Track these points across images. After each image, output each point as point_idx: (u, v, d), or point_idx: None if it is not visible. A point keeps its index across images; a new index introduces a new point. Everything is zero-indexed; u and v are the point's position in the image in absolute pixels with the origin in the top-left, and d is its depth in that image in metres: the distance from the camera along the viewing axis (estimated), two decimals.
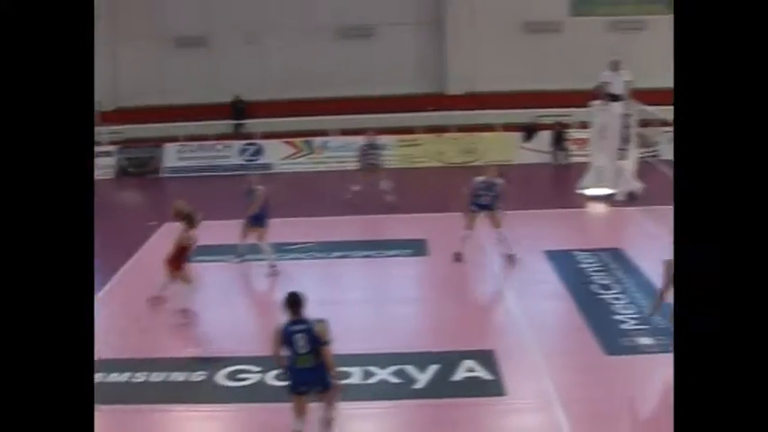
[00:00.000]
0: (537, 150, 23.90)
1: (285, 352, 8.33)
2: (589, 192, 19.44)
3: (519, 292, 13.38)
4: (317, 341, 8.21)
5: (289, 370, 8.44)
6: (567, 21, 26.32)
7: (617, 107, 19.02)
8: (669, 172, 17.87)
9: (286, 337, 8.27)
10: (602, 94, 19.25)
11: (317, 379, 8.38)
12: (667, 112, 19.93)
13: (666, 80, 26.09)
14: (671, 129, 22.62)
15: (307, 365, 8.29)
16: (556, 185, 22.35)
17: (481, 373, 10.42)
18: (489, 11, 26.18)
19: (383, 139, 22.44)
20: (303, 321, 8.29)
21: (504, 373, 10.36)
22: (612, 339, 11.53)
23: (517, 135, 24.23)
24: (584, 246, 15.57)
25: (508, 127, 24.57)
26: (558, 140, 23.80)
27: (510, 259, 14.79)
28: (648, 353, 11.13)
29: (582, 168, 20.26)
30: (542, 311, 12.72)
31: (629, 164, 19.18)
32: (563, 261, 14.83)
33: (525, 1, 26.18)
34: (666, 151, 23.59)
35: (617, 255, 15.05)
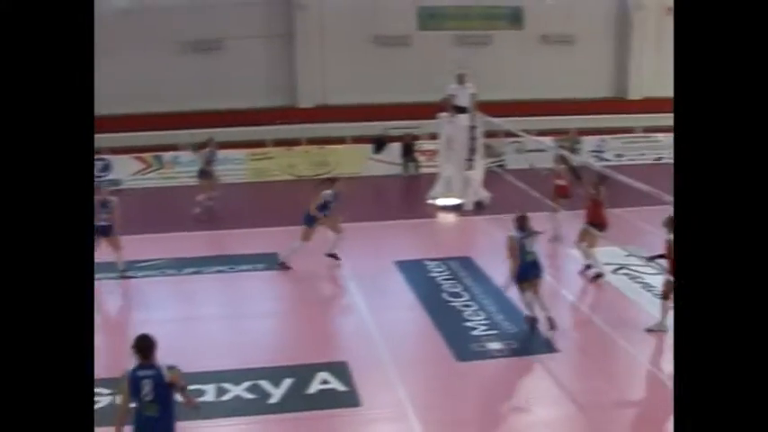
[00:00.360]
0: (387, 162, 24.25)
1: (133, 399, 7.58)
2: (438, 202, 19.88)
3: (371, 303, 13.51)
4: (165, 389, 7.53)
5: (135, 418, 7.63)
6: (415, 34, 26.79)
7: (463, 119, 19.54)
8: (515, 181, 18.52)
9: (133, 383, 7.54)
10: (449, 107, 19.73)
11: (161, 430, 7.66)
12: (512, 124, 20.77)
13: (510, 93, 27.10)
14: (516, 139, 23.50)
15: (151, 414, 7.55)
16: (406, 196, 22.73)
17: (335, 384, 10.50)
18: (339, 24, 26.36)
19: (234, 153, 22.35)
20: (152, 366, 7.57)
21: (358, 384, 10.47)
22: (464, 346, 11.83)
23: (368, 147, 24.51)
24: (435, 255, 15.90)
25: (359, 139, 24.84)
26: (408, 152, 24.20)
27: (334, 257, 15.33)
28: (498, 357, 11.53)
29: (431, 179, 20.69)
30: (394, 321, 12.91)
31: (477, 174, 19.71)
32: (414, 271, 15.11)
33: (374, 15, 26.49)
34: (512, 161, 24.47)
35: (466, 263, 15.45)
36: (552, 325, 12.00)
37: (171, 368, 7.59)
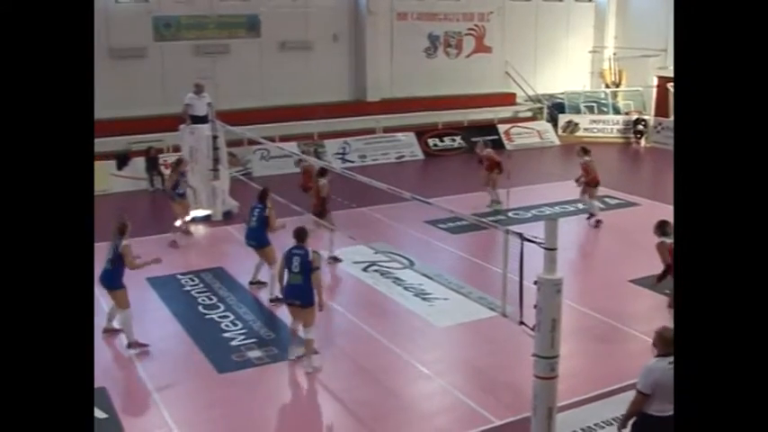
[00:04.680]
0: (132, 177, 23.58)
1: (286, 272, 11.19)
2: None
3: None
4: (308, 265, 10.96)
5: (285, 286, 11.27)
6: (151, 45, 26.18)
7: (204, 129, 19.38)
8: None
9: (288, 258, 11.18)
10: (187, 117, 19.53)
11: (302, 295, 11.05)
12: (254, 131, 20.85)
13: (252, 100, 27.05)
14: (258, 147, 23.62)
15: (296, 282, 11.06)
16: (155, 211, 22.18)
17: (95, 413, 10.16)
18: None
19: None
20: (302, 248, 11.16)
21: (119, 410, 10.21)
22: (224, 357, 11.82)
23: (111, 163, 23.66)
24: (187, 269, 15.67)
25: (101, 156, 23.84)
26: (153, 166, 23.64)
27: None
28: (260, 365, 11.62)
29: None
30: (151, 339, 12.58)
31: (223, 183, 19.60)
32: (167, 286, 14.84)
33: (107, 27, 25.51)
34: (257, 168, 24.59)
35: (219, 273, 15.37)
36: None
37: (315, 252, 11.26)
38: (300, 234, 11.33)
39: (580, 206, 19.73)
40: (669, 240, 11.90)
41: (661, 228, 12.29)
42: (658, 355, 7.36)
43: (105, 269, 11.86)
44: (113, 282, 11.93)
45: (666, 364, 7.14)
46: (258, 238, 14.25)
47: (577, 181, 19.00)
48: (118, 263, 11.90)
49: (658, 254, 12.18)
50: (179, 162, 18.54)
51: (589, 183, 18.78)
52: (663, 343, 7.36)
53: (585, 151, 19.11)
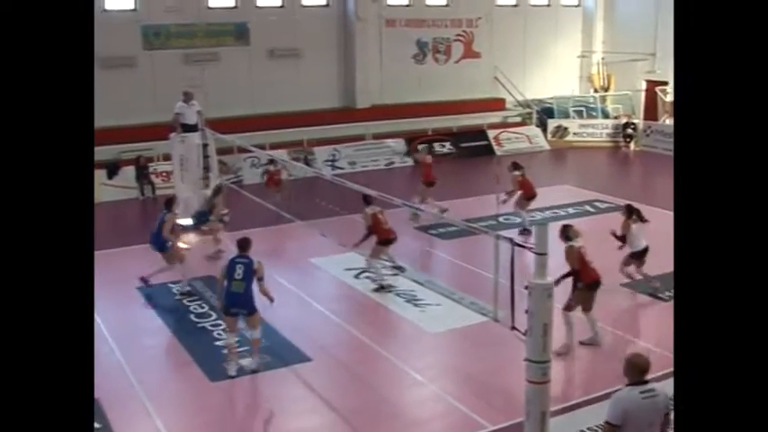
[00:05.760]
0: (122, 186, 23.55)
1: (226, 278, 11.12)
2: (178, 222, 19.53)
3: (117, 333, 13.03)
4: (251, 274, 11.08)
5: (224, 294, 11.23)
6: (141, 55, 26.16)
7: (194, 137, 19.36)
8: (252, 196, 18.60)
9: (230, 266, 11.20)
10: (178, 126, 19.49)
11: (245, 303, 11.14)
12: (244, 139, 20.85)
13: (242, 108, 26.94)
14: (249, 154, 23.59)
15: (238, 290, 11.08)
16: (145, 220, 22.14)
17: None
18: None
19: None
20: (246, 257, 11.27)
21: (112, 420, 10.14)
22: (216, 366, 11.77)
23: (101, 173, 23.61)
24: (177, 277, 15.63)
25: None
26: (143, 175, 23.63)
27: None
28: (252, 373, 11.57)
29: None
30: (143, 348, 12.58)
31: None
32: (158, 295, 14.84)
33: (96, 36, 25.45)
34: (248, 176, 24.57)
35: (210, 282, 15.30)
36: None
37: (258, 261, 11.29)
38: (243, 244, 11.49)
39: (563, 213, 19.82)
40: (577, 245, 12.01)
41: (564, 233, 12.20)
42: (629, 384, 6.87)
43: None
44: None
45: (637, 394, 6.73)
46: (158, 242, 14.96)
47: (509, 194, 18.84)
48: None
49: (566, 259, 12.05)
50: (219, 189, 18.39)
51: (525, 196, 18.69)
52: (634, 371, 6.87)
53: (516, 166, 18.97)
